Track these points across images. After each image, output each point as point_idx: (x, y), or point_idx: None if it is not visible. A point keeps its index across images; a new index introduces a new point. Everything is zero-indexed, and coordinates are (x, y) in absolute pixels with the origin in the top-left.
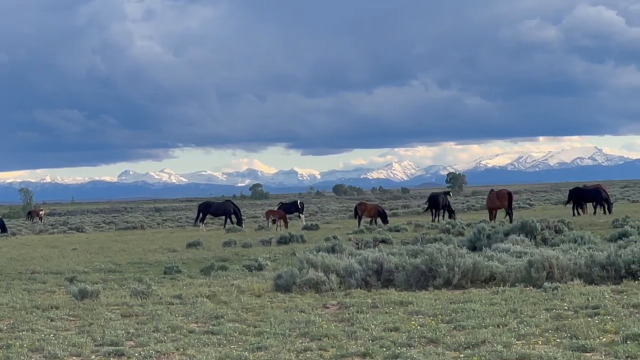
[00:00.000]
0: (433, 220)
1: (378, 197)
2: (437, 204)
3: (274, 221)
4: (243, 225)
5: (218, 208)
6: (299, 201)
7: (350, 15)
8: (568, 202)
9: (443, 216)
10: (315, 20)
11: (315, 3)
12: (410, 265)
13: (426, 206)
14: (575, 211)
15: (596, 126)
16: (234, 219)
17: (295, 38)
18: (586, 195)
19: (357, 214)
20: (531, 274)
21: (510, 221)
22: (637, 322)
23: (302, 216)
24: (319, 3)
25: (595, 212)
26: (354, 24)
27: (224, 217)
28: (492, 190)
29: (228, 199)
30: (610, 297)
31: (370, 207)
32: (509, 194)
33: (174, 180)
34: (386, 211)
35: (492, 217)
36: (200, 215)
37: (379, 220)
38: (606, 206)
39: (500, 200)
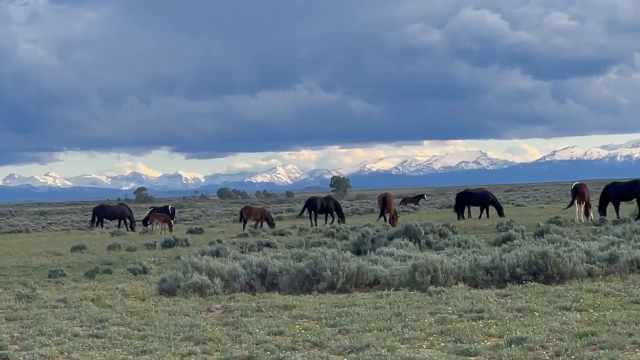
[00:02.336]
0: (312, 224)
1: (262, 201)
2: (314, 207)
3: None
4: (135, 229)
5: (114, 211)
6: (170, 206)
7: (233, 18)
8: (457, 205)
9: (331, 220)
10: (198, 23)
11: (198, 6)
12: (294, 269)
13: (302, 210)
14: (462, 215)
15: (481, 130)
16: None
17: (178, 41)
18: (474, 199)
19: (243, 217)
20: (415, 278)
21: (392, 225)
22: (521, 326)
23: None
24: (201, 6)
25: (480, 216)
26: (237, 26)
27: (117, 220)
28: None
29: (122, 202)
30: (495, 301)
31: (256, 210)
32: (383, 198)
33: (58, 184)
34: (272, 215)
35: (388, 219)
36: (96, 218)
37: (265, 223)
38: (496, 210)
39: (378, 203)
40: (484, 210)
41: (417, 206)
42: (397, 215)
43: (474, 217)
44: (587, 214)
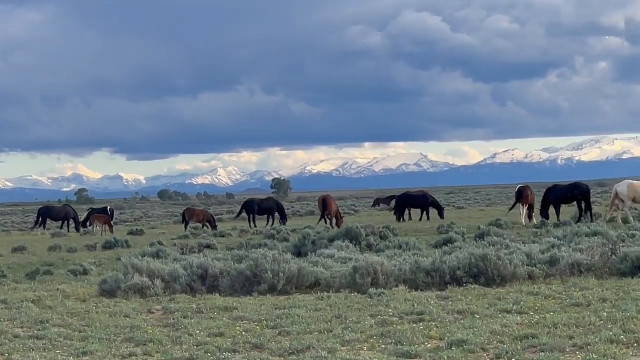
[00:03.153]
0: (250, 226)
1: (203, 203)
2: (251, 209)
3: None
4: (81, 230)
5: (59, 212)
6: (108, 207)
7: (175, 20)
8: (397, 208)
9: (273, 222)
10: (139, 25)
11: (139, 8)
12: (235, 270)
13: (239, 212)
14: (402, 217)
15: (422, 132)
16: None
17: (120, 43)
18: (414, 201)
19: (185, 219)
20: (356, 280)
21: (338, 226)
22: (461, 329)
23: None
24: (143, 8)
25: (420, 219)
26: (178, 28)
27: (61, 222)
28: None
29: (66, 203)
30: (435, 303)
31: (199, 212)
32: (323, 200)
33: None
34: (214, 217)
35: (329, 221)
36: (40, 219)
37: (207, 225)
38: (437, 211)
39: (318, 206)
40: (424, 213)
41: (389, 207)
42: (342, 216)
43: (415, 220)
44: (530, 216)
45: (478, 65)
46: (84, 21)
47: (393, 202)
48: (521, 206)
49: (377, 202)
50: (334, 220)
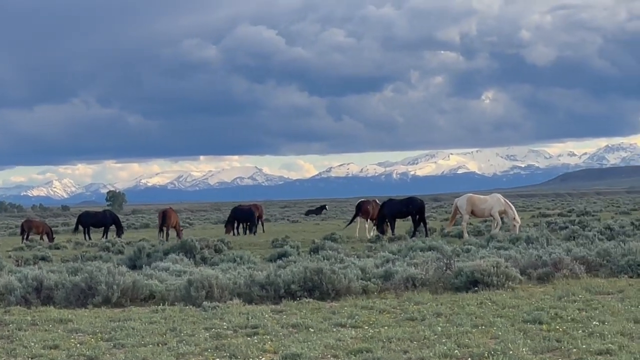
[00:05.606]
0: (85, 239)
1: (39, 215)
2: (84, 222)
3: None
4: None
5: None
6: None
7: (9, 31)
8: (228, 221)
9: (106, 234)
10: None
11: None
12: (70, 283)
13: (76, 226)
14: (235, 231)
15: (257, 146)
16: None
17: None
18: (243, 215)
19: (24, 230)
20: (191, 293)
21: (166, 239)
22: (296, 342)
23: None
24: None
25: (255, 232)
26: (11, 41)
27: None
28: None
29: None
30: (270, 316)
31: (38, 224)
32: (163, 213)
33: None
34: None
35: (165, 233)
36: None
37: (45, 237)
38: (252, 226)
39: (158, 218)
40: (256, 226)
41: (322, 217)
42: (182, 229)
43: (249, 233)
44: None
45: (313, 78)
46: None
47: (323, 212)
48: (360, 220)
49: (308, 213)
50: (172, 233)
